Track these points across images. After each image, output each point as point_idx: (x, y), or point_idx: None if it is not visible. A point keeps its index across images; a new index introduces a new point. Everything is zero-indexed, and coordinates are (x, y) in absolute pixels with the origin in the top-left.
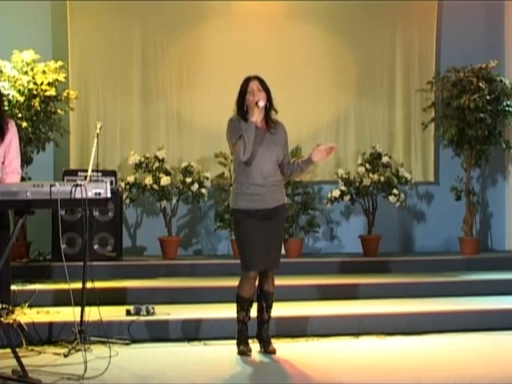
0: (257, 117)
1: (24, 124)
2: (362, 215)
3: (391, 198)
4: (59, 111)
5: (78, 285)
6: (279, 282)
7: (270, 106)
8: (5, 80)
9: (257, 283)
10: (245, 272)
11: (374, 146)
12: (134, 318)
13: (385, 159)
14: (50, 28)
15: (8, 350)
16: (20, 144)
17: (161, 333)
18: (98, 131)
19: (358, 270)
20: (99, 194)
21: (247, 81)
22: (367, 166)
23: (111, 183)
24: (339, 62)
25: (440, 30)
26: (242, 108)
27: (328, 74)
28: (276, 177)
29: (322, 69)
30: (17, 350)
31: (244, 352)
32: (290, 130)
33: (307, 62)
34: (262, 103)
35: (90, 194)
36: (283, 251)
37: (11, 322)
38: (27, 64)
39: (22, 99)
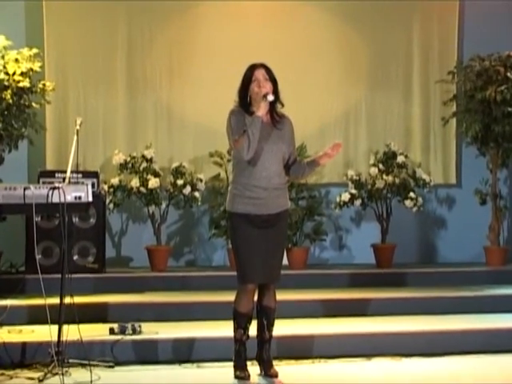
0: (263, 111)
1: None
2: (374, 222)
3: (407, 203)
4: (34, 105)
5: (56, 300)
6: (281, 296)
7: (276, 98)
8: None
9: (256, 298)
10: (242, 285)
11: (388, 144)
12: (119, 337)
13: (400, 159)
14: (23, 11)
15: None
16: None
17: (148, 354)
18: (77, 127)
19: (370, 283)
20: (79, 197)
21: (252, 69)
22: (380, 166)
23: (93, 186)
24: (349, 51)
25: (463, 14)
26: (245, 99)
27: (337, 64)
28: (280, 179)
29: (331, 58)
30: None
31: (242, 378)
32: (295, 126)
33: (314, 51)
34: (271, 97)
35: (69, 198)
36: (286, 262)
37: None
38: None
39: None
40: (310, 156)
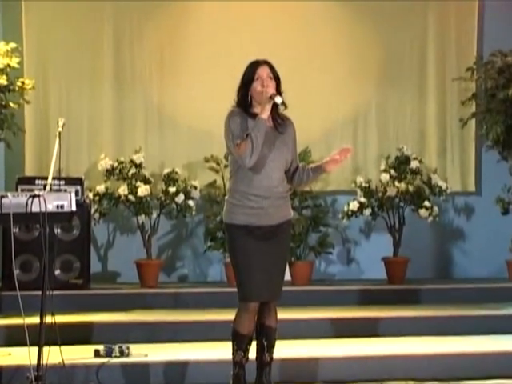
0: (268, 113)
1: None
2: (385, 233)
3: (422, 212)
4: (12, 104)
5: (35, 319)
6: (283, 315)
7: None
8: None
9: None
10: (244, 303)
11: (400, 148)
12: (105, 360)
13: (414, 164)
14: None
15: None
16: None
17: (137, 378)
18: (60, 129)
19: (380, 301)
20: (62, 206)
21: (255, 66)
22: (392, 172)
23: (76, 194)
24: (358, 47)
25: (483, 6)
26: (245, 99)
27: (344, 61)
28: (283, 187)
29: (337, 56)
30: None
31: None
32: (297, 129)
33: (319, 46)
34: (279, 99)
35: (51, 207)
36: (289, 277)
37: None
38: None
39: None
40: (315, 162)
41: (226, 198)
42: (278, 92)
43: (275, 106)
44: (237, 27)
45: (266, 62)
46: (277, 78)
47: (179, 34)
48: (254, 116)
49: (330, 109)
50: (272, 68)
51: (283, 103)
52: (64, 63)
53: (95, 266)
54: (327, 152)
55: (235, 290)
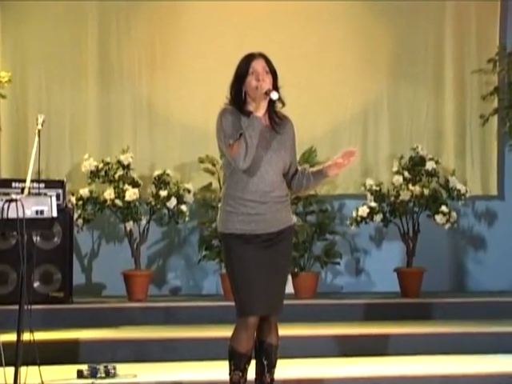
0: (263, 111)
1: None
2: (398, 241)
3: (439, 218)
4: None
5: (12, 336)
6: (285, 331)
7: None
8: None
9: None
10: (242, 318)
11: (414, 148)
12: (89, 381)
13: (430, 165)
14: None
15: None
16: None
17: None
18: (39, 127)
19: (392, 316)
20: (41, 212)
21: (249, 59)
22: (406, 174)
23: (58, 198)
24: (368, 37)
25: None
26: (239, 95)
27: (353, 53)
28: (281, 191)
29: (345, 47)
30: None
31: None
32: (302, 126)
33: (324, 36)
34: (275, 95)
35: (29, 213)
36: (291, 290)
37: None
38: None
39: None
40: (320, 163)
41: (220, 205)
42: (275, 87)
43: (272, 103)
44: (235, 21)
45: (261, 55)
46: (273, 73)
47: (171, 27)
48: (249, 114)
49: (337, 105)
50: (268, 61)
51: (280, 100)
52: (44, 55)
53: (78, 278)
54: (334, 152)
55: (232, 303)
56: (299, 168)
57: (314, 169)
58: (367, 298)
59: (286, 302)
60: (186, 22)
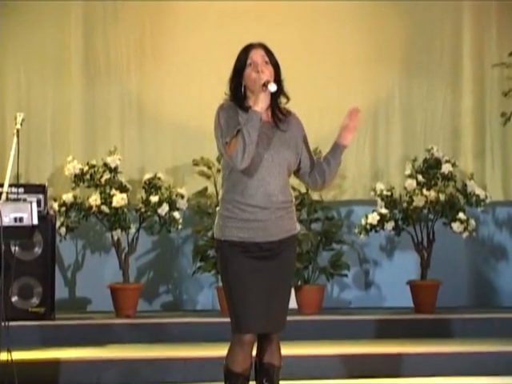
0: (262, 105)
1: None
2: (411, 251)
3: (456, 226)
4: None
5: None
6: (288, 350)
7: (279, 89)
8: None
9: (254, 352)
10: (237, 335)
11: (429, 149)
12: None
13: (446, 168)
14: None
15: None
16: None
17: None
18: (18, 126)
19: (405, 334)
20: (20, 219)
21: (248, 49)
22: (419, 178)
23: (39, 204)
24: (379, 28)
25: None
26: (238, 90)
27: (362, 44)
28: (285, 195)
29: (354, 39)
30: None
31: None
32: (307, 125)
33: (331, 28)
34: (273, 87)
35: (7, 220)
36: (294, 304)
37: None
38: None
39: None
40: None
41: (218, 209)
42: (277, 81)
43: (275, 97)
44: (232, 7)
45: (260, 45)
46: (275, 64)
47: (163, 15)
48: (249, 109)
49: (344, 102)
50: (268, 51)
51: (284, 93)
52: (23, 47)
53: (61, 292)
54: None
55: (228, 320)
56: (316, 161)
57: (328, 151)
58: (377, 314)
59: (288, 318)
60: (179, 9)
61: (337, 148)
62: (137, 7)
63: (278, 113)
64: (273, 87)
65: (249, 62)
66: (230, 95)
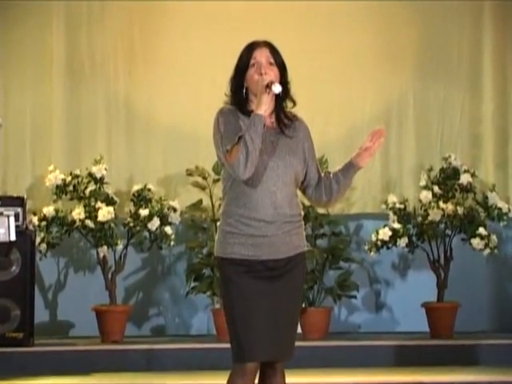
0: (266, 107)
1: None
2: (427, 270)
3: (476, 243)
4: None
5: None
6: (292, 378)
7: (285, 92)
8: None
9: (257, 381)
10: (238, 364)
11: (446, 158)
12: None
13: (465, 178)
14: None
15: None
16: None
17: None
18: None
19: (421, 361)
20: None
21: (251, 48)
22: (436, 189)
23: (17, 218)
24: (391, 25)
25: None
26: (240, 92)
27: (372, 45)
28: (292, 209)
29: (363, 38)
30: None
31: None
32: (310, 129)
33: (340, 28)
34: (278, 88)
35: None
36: (298, 329)
37: None
38: None
39: None
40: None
41: (219, 224)
42: (284, 83)
43: (280, 101)
44: (232, 6)
45: (266, 43)
46: (280, 65)
47: (154, 13)
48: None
49: (352, 107)
50: (274, 51)
51: (291, 98)
52: (0, 48)
53: (41, 315)
54: None
55: (227, 345)
56: (322, 175)
57: (340, 166)
58: (390, 340)
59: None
60: (172, 9)
61: (351, 168)
62: (125, 7)
63: (284, 117)
64: (277, 88)
65: (252, 62)
66: (230, 97)
